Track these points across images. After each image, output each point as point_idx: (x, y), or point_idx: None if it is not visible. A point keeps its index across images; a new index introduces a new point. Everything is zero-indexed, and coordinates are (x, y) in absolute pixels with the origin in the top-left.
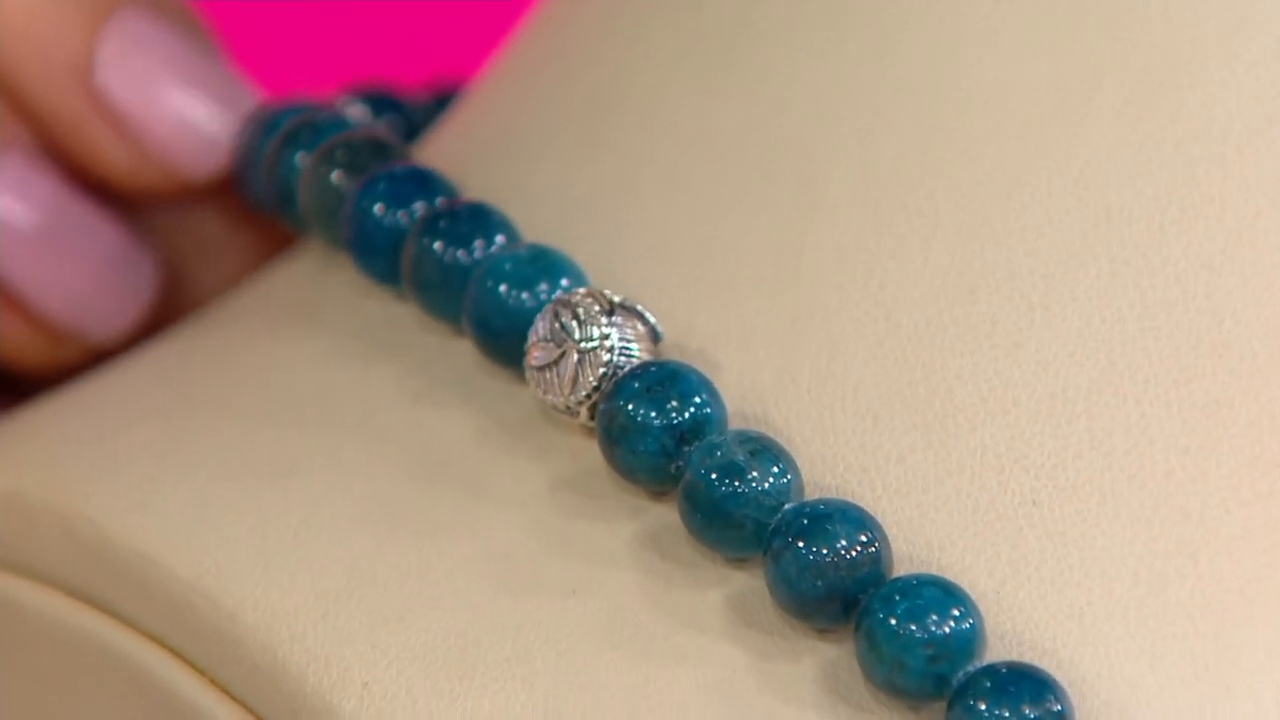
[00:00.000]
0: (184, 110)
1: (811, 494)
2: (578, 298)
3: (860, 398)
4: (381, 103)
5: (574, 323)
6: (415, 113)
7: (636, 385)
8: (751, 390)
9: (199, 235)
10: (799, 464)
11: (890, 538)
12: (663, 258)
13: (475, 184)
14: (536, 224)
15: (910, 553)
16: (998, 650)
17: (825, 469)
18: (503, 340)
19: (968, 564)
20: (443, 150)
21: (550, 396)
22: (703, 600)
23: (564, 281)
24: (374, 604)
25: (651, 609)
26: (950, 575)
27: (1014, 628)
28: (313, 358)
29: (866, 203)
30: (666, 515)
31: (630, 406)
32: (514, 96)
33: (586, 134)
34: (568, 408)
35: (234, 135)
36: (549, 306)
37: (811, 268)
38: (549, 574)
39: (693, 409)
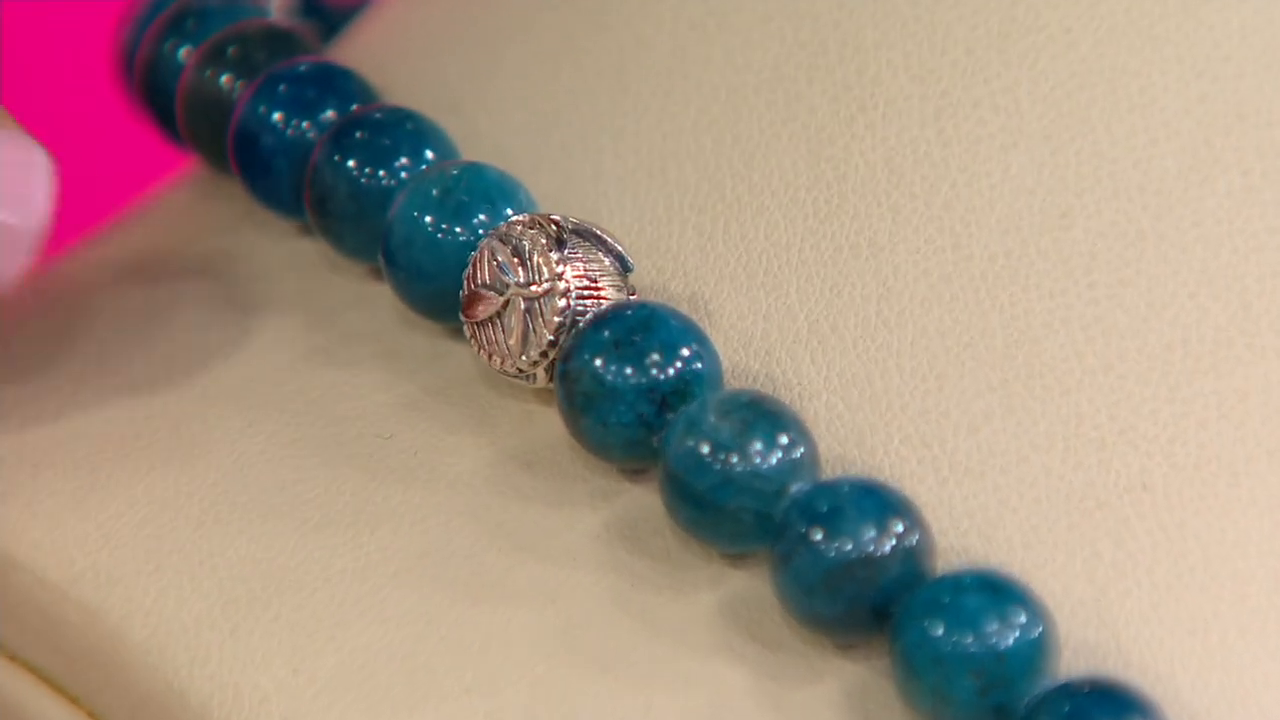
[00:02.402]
0: None
1: (858, 474)
2: (518, 229)
3: (920, 351)
4: (299, 6)
5: (514, 261)
6: (340, 18)
7: (605, 336)
8: (781, 343)
9: None
10: (837, 434)
11: (960, 530)
12: (654, 182)
13: (404, 90)
14: (480, 138)
15: (986, 550)
16: (1098, 670)
17: (877, 442)
18: (430, 287)
19: (1060, 564)
20: (364, 49)
21: (497, 359)
22: (695, 609)
23: (508, 211)
24: (297, 616)
25: (636, 622)
26: (1038, 579)
27: (1119, 644)
28: (201, 310)
29: (928, 103)
30: (646, 498)
31: (597, 364)
32: None
33: (560, 25)
34: (520, 371)
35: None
36: (483, 244)
37: (857, 187)
38: (518, 576)
39: (678, 364)
